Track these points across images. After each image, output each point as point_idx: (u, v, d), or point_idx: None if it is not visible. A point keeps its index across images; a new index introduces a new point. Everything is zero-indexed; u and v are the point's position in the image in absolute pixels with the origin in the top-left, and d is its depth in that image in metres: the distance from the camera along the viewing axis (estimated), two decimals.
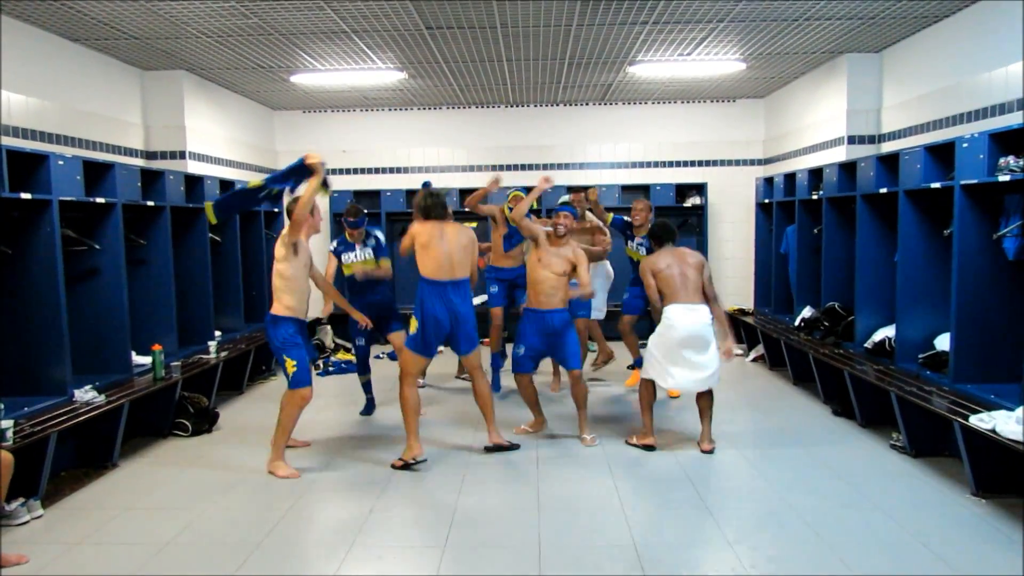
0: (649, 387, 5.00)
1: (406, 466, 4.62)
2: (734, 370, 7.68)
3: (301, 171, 4.78)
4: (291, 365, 4.55)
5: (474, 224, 7.80)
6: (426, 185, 6.04)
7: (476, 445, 5.11)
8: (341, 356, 8.30)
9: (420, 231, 4.75)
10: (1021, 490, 3.96)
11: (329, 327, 8.91)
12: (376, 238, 5.99)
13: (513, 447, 4.97)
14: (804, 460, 4.73)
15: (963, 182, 4.50)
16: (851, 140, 7.08)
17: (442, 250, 4.71)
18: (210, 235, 6.69)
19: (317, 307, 9.32)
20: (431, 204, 4.82)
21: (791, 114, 8.57)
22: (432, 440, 5.23)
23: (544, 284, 5.08)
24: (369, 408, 6.06)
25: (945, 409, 4.20)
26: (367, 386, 6.11)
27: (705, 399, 4.93)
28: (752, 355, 8.01)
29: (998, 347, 4.57)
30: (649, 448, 4.94)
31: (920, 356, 5.09)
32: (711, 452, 4.88)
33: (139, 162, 7.01)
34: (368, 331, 5.77)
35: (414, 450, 4.64)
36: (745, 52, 6.98)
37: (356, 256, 5.90)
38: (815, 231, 6.99)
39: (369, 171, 9.78)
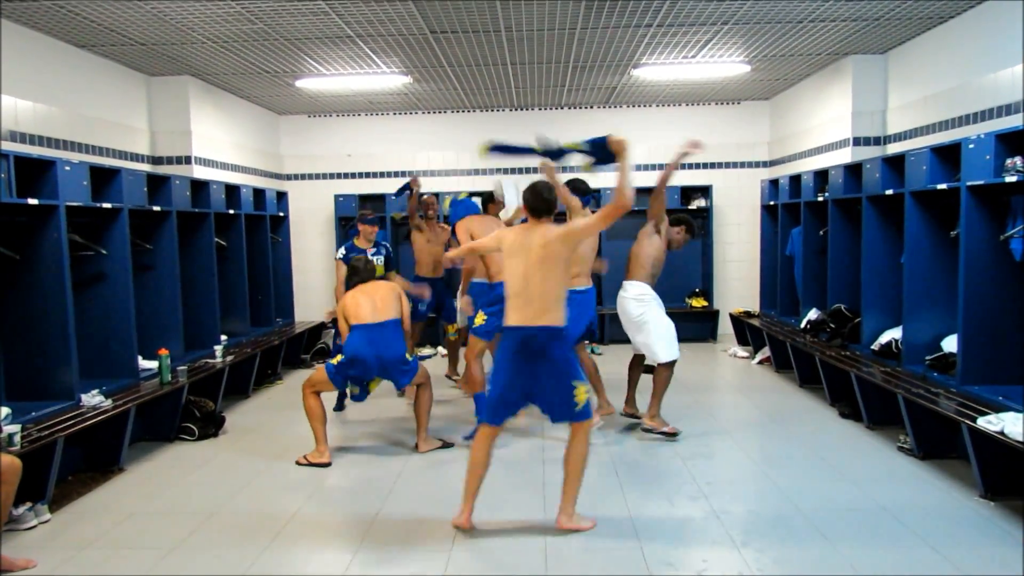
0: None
1: (309, 464, 4.83)
2: (740, 373, 7.67)
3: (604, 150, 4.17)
4: (583, 392, 3.66)
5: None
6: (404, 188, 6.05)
7: None
8: None
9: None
10: None
11: (334, 331, 8.93)
12: (386, 247, 6.13)
13: (448, 445, 5.14)
14: (811, 462, 4.72)
15: (969, 183, 4.49)
16: (856, 142, 7.07)
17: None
18: (216, 240, 6.71)
19: (317, 311, 9.39)
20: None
21: (796, 116, 8.56)
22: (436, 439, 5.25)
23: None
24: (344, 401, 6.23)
25: (953, 411, 4.18)
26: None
27: (657, 372, 5.24)
28: (758, 357, 7.99)
29: (1006, 349, 4.55)
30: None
31: (927, 358, 5.07)
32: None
33: (145, 167, 7.04)
34: None
35: (324, 456, 4.85)
36: (750, 54, 6.98)
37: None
38: (821, 233, 6.97)
39: (374, 175, 9.80)
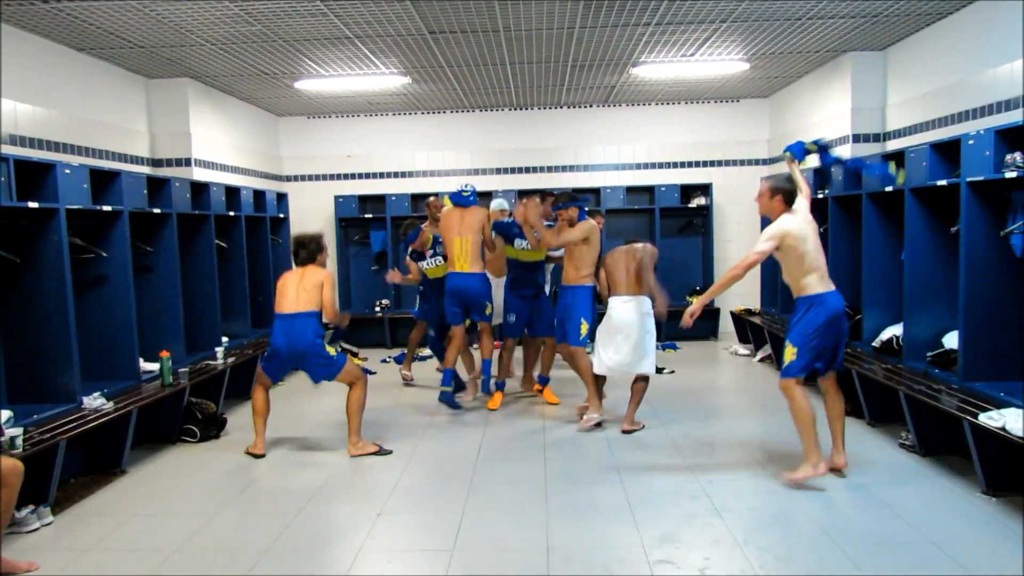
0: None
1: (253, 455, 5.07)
2: (741, 370, 7.67)
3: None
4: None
5: None
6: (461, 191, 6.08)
7: (483, 446, 5.12)
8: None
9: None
10: None
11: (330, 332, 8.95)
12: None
13: (384, 451, 5.05)
14: None
15: (969, 179, 4.48)
16: (856, 138, 7.06)
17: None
18: (216, 241, 6.71)
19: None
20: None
21: (796, 113, 8.55)
22: (439, 442, 5.26)
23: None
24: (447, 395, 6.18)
25: (954, 407, 4.18)
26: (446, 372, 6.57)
27: (639, 383, 5.40)
28: (759, 355, 7.99)
29: (1007, 344, 4.55)
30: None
31: (928, 354, 5.06)
32: (629, 432, 5.34)
33: (145, 170, 7.04)
34: (439, 325, 6.52)
35: (258, 447, 5.09)
36: (748, 52, 6.98)
37: (428, 263, 6.47)
38: (821, 230, 6.92)
39: (374, 176, 9.80)
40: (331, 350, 4.99)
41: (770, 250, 4.19)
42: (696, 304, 4.30)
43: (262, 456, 5.05)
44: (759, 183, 4.56)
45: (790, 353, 4.24)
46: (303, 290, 4.92)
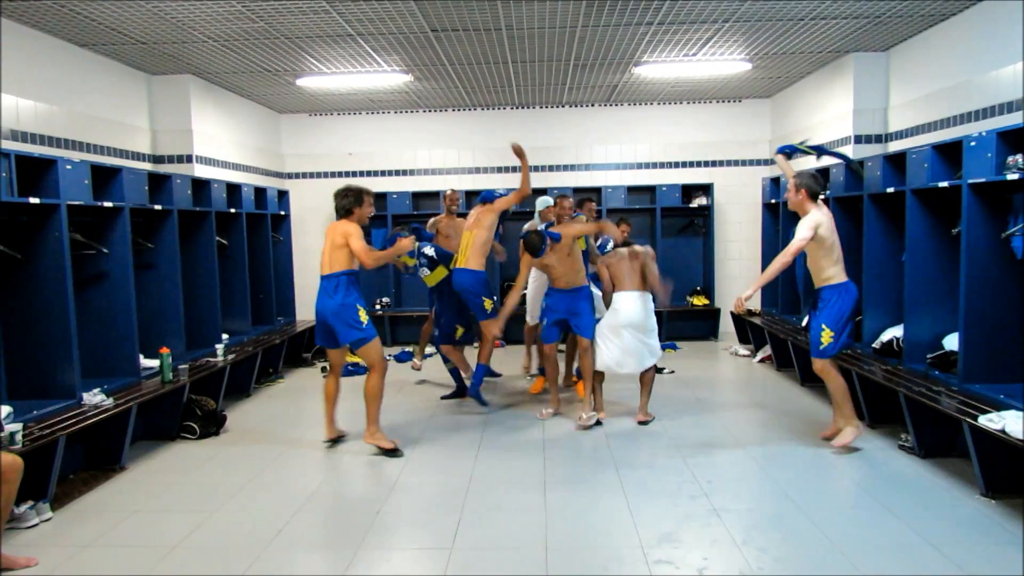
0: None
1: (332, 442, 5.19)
2: (741, 371, 7.67)
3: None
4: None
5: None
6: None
7: (482, 445, 5.12)
8: (349, 358, 8.28)
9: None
10: None
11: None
12: (427, 257, 6.19)
13: (396, 453, 4.97)
14: (812, 461, 4.72)
15: (971, 181, 4.48)
16: (858, 139, 7.06)
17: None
18: (217, 238, 6.71)
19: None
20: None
21: (798, 114, 8.54)
22: (438, 440, 5.26)
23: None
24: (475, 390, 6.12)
25: (954, 409, 4.18)
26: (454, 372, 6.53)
27: (647, 374, 5.60)
28: (759, 355, 7.99)
29: (1007, 347, 4.55)
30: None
31: (928, 356, 5.06)
32: (645, 423, 5.53)
33: (146, 166, 7.05)
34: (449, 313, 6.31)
35: (330, 432, 5.22)
36: (751, 52, 6.97)
37: (419, 274, 6.37)
38: None
39: (375, 174, 9.80)
40: (364, 318, 4.96)
41: (811, 237, 4.61)
42: (751, 290, 4.67)
43: (337, 439, 5.21)
44: (788, 183, 4.96)
45: (827, 336, 4.69)
46: (334, 248, 4.94)
